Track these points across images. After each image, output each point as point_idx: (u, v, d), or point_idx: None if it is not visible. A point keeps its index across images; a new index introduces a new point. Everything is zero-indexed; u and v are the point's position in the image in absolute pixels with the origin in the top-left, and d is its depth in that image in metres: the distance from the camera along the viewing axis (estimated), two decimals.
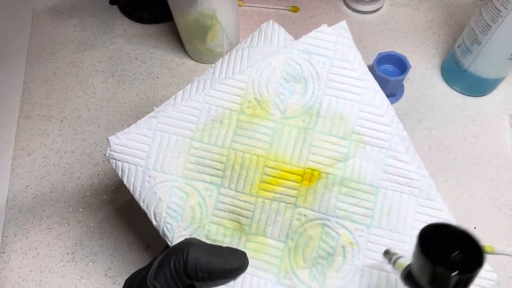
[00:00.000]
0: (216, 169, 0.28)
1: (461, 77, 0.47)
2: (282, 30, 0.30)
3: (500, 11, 0.38)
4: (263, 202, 0.28)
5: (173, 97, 0.29)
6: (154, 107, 0.30)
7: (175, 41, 0.55)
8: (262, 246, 0.27)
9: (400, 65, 0.47)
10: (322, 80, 0.28)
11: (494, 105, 0.48)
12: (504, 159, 0.44)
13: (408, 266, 0.21)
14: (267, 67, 0.28)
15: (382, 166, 0.27)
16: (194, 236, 0.28)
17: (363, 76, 0.29)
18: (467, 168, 0.43)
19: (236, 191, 0.28)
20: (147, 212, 0.28)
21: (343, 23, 0.30)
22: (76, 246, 0.40)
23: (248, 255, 0.27)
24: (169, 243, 0.28)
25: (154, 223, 0.28)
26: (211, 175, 0.28)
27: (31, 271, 0.39)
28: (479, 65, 0.44)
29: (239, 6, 0.57)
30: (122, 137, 0.29)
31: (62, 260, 0.40)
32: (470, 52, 0.43)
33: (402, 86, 0.49)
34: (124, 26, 0.57)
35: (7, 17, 0.59)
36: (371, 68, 0.46)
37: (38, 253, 0.40)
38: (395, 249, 0.23)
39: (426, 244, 0.17)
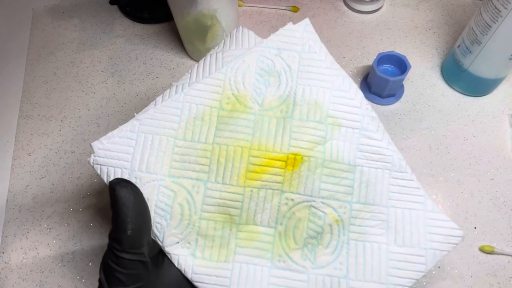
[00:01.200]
0: (202, 164, 0.28)
1: (461, 77, 0.47)
2: (252, 33, 0.32)
3: (500, 11, 0.38)
4: (251, 191, 0.28)
5: (153, 102, 0.30)
6: (135, 113, 0.30)
7: (175, 41, 0.55)
8: (253, 234, 0.28)
9: (400, 65, 0.47)
10: (294, 72, 0.30)
11: (494, 105, 0.48)
12: (504, 159, 0.44)
13: None
14: (242, 64, 0.30)
15: (357, 145, 0.29)
16: (185, 233, 0.28)
17: (330, 65, 0.31)
18: (467, 168, 0.43)
19: (224, 183, 0.28)
20: None
21: (307, 20, 0.31)
22: (76, 246, 0.40)
23: (240, 245, 0.28)
24: (159, 243, 0.28)
25: None
26: (197, 171, 0.28)
27: (31, 271, 0.39)
28: (479, 65, 0.44)
29: (239, 6, 0.57)
30: (106, 142, 0.29)
31: (62, 260, 0.40)
32: (470, 52, 0.44)
33: (402, 86, 0.49)
34: (124, 26, 0.57)
35: (7, 17, 0.59)
36: (371, 68, 0.46)
37: (38, 253, 0.40)
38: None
39: None
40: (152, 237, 0.28)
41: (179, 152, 0.29)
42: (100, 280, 0.25)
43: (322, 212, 0.29)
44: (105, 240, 0.40)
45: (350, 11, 0.57)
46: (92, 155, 0.29)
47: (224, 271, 0.27)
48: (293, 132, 0.29)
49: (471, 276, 0.38)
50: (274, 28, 0.55)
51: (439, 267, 0.38)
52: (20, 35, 0.57)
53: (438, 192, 0.42)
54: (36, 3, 0.60)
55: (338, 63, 0.52)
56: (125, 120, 0.48)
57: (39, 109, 0.50)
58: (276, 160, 0.29)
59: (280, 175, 0.29)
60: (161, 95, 0.30)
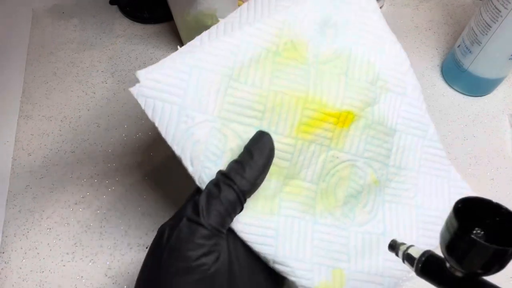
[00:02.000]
0: (256, 110, 0.27)
1: (461, 77, 0.47)
2: None
3: (500, 11, 0.38)
4: (302, 144, 0.27)
5: (198, 37, 0.27)
6: (178, 46, 0.27)
7: (175, 41, 0.55)
8: (298, 189, 0.28)
9: None
10: (350, 27, 0.29)
11: (494, 105, 0.48)
12: (504, 159, 0.44)
13: (425, 252, 0.19)
14: (300, 12, 0.28)
15: (399, 111, 0.30)
16: None
17: (383, 27, 0.31)
18: (467, 168, 0.43)
19: (276, 133, 0.27)
20: (182, 157, 0.26)
21: None
22: (76, 246, 0.40)
23: (284, 199, 0.28)
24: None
25: (190, 169, 0.26)
26: (250, 117, 0.27)
27: (31, 271, 0.39)
28: (479, 65, 0.44)
29: (238, 6, 0.57)
30: (155, 72, 0.26)
31: (62, 260, 0.40)
32: (470, 52, 0.44)
33: None
34: (124, 26, 0.57)
35: (7, 17, 0.59)
36: None
37: (38, 253, 0.40)
38: (400, 240, 0.22)
39: (463, 215, 0.16)
40: (198, 183, 0.26)
41: (233, 94, 0.26)
42: (196, 210, 0.23)
43: (364, 172, 0.29)
44: (105, 240, 0.40)
45: None
46: (137, 85, 0.25)
47: (271, 223, 0.27)
48: (348, 90, 0.28)
49: None
50: None
51: None
52: (20, 35, 0.57)
53: None
54: (36, 3, 0.60)
55: None
56: (125, 120, 0.48)
57: (39, 109, 0.50)
58: (330, 115, 0.28)
59: (331, 131, 0.28)
60: (208, 31, 0.27)
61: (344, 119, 0.28)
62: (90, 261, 0.40)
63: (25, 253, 0.40)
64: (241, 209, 0.25)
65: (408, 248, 0.21)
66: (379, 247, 0.29)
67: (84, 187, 0.44)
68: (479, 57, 0.43)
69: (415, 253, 0.20)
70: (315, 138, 0.28)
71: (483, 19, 0.40)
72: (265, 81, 0.27)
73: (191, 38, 0.49)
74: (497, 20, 0.39)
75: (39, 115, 0.49)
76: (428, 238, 0.30)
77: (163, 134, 0.26)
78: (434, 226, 0.30)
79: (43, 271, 0.39)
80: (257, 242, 0.26)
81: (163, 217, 0.41)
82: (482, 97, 0.48)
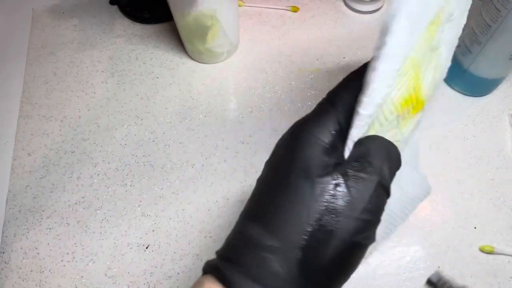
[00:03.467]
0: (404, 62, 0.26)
1: (461, 77, 0.47)
2: None
3: (500, 11, 0.38)
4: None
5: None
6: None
7: (175, 41, 0.55)
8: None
9: None
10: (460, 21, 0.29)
11: (494, 105, 0.48)
12: (504, 159, 0.44)
13: None
14: None
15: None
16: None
17: None
18: (467, 168, 0.43)
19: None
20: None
21: None
22: (76, 246, 0.40)
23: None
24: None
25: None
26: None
27: (31, 271, 0.39)
28: (479, 65, 0.44)
29: (239, 6, 0.57)
30: None
31: (62, 260, 0.40)
32: (470, 52, 0.43)
33: None
34: (124, 26, 0.57)
35: (7, 17, 0.59)
36: None
37: (38, 253, 0.40)
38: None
39: None
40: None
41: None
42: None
43: None
44: (105, 241, 0.41)
45: (350, 11, 0.57)
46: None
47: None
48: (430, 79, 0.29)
49: (471, 276, 0.38)
50: (274, 28, 0.56)
51: (439, 267, 0.38)
52: (20, 35, 0.57)
53: (438, 192, 0.42)
54: (36, 3, 0.60)
55: (338, 63, 0.52)
56: (125, 120, 0.48)
57: (39, 109, 0.50)
58: (412, 100, 0.29)
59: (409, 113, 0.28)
60: None
61: (416, 106, 0.28)
62: (90, 261, 0.40)
63: (25, 253, 0.40)
64: None
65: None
66: None
67: (84, 187, 0.44)
68: (479, 57, 0.43)
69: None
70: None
71: (483, 19, 0.40)
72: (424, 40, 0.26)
73: (191, 38, 0.49)
74: (497, 20, 0.39)
75: (39, 115, 0.49)
76: None
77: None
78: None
79: (43, 271, 0.39)
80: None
81: (163, 217, 0.42)
82: (482, 97, 0.48)
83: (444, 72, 0.30)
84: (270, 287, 0.19)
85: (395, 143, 0.26)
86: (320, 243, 0.19)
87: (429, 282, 0.22)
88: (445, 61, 0.30)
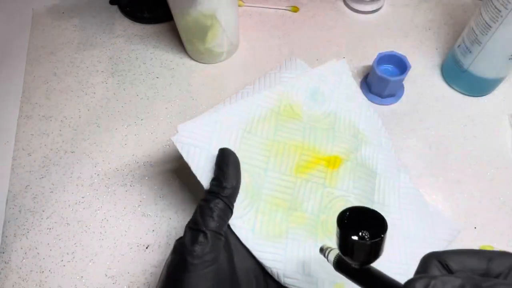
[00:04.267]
0: (263, 155, 0.35)
1: (461, 77, 0.47)
2: (302, 62, 0.40)
3: (500, 11, 0.38)
4: (301, 182, 0.35)
5: (222, 102, 0.36)
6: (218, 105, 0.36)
7: (175, 41, 0.55)
8: (301, 219, 0.34)
9: (400, 65, 0.47)
10: (334, 96, 0.38)
11: (494, 105, 0.48)
12: (504, 159, 0.44)
13: (338, 253, 0.25)
14: (296, 83, 0.37)
15: (377, 159, 0.38)
16: (247, 210, 0.33)
17: (360, 95, 0.40)
18: (467, 168, 0.43)
19: (279, 173, 0.34)
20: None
21: (343, 61, 0.40)
22: (76, 246, 0.40)
23: (291, 226, 0.34)
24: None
25: None
26: (259, 160, 0.34)
27: (31, 271, 0.39)
28: (479, 65, 0.44)
29: (239, 6, 0.57)
30: (189, 125, 0.34)
31: (62, 260, 0.40)
32: (470, 52, 0.43)
33: (402, 86, 0.49)
34: (124, 26, 0.57)
35: (7, 17, 0.59)
36: (371, 68, 0.46)
37: (38, 253, 0.40)
38: (327, 244, 0.28)
39: (346, 224, 0.22)
40: None
41: (246, 142, 0.34)
42: (195, 221, 0.28)
43: (354, 204, 0.35)
44: (105, 240, 0.40)
45: (350, 11, 0.57)
46: (176, 134, 0.33)
47: (280, 244, 0.33)
48: (335, 140, 0.37)
49: None
50: (274, 28, 0.56)
51: None
52: (20, 35, 0.57)
53: (438, 192, 0.42)
54: (36, 3, 0.60)
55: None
56: (125, 120, 0.48)
57: (39, 109, 0.50)
58: (321, 159, 0.35)
59: (324, 172, 0.35)
60: (229, 97, 0.37)
61: (334, 162, 0.36)
62: (90, 261, 0.40)
63: (25, 253, 0.40)
64: (231, 212, 0.30)
65: (329, 251, 0.26)
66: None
67: (84, 187, 0.44)
68: (479, 57, 0.43)
69: (333, 255, 0.26)
70: (311, 178, 0.35)
71: (483, 19, 0.40)
72: (270, 133, 0.35)
73: (191, 38, 0.49)
74: (497, 20, 0.39)
75: (39, 115, 0.49)
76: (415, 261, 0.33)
77: (194, 170, 0.32)
78: (421, 250, 0.32)
79: (43, 271, 0.39)
80: (268, 259, 0.32)
81: (163, 217, 0.42)
82: (482, 97, 0.48)
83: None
84: None
85: (335, 199, 0.35)
86: None
87: (320, 250, 0.28)
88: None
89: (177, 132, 0.33)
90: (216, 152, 0.32)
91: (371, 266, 0.22)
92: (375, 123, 0.39)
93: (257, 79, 0.39)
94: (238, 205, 0.32)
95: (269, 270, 0.32)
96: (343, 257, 0.23)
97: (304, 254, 0.33)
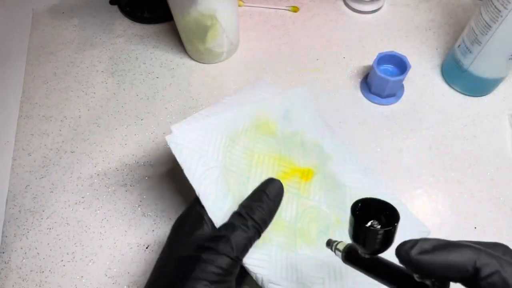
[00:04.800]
0: (246, 164, 0.37)
1: (461, 77, 0.47)
2: (273, 85, 0.43)
3: (500, 11, 0.38)
4: None
5: (215, 105, 0.39)
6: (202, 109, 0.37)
7: (175, 41, 0.55)
8: (281, 226, 0.36)
9: (400, 65, 0.47)
10: (302, 117, 0.41)
11: (494, 105, 0.48)
12: (504, 159, 0.44)
13: (347, 245, 0.26)
14: (271, 102, 0.41)
15: (343, 173, 0.40)
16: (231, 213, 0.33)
17: (323, 120, 0.43)
18: (467, 168, 0.43)
19: (260, 182, 0.35)
20: (199, 192, 0.33)
21: (305, 88, 0.43)
22: (76, 246, 0.40)
23: (273, 233, 0.35)
24: (214, 221, 0.32)
25: (205, 203, 0.34)
26: (242, 169, 0.36)
27: (31, 271, 0.39)
28: (479, 65, 0.44)
29: (239, 6, 0.57)
30: (183, 126, 0.35)
31: (62, 260, 0.40)
32: (470, 52, 0.43)
33: (402, 86, 0.49)
34: (124, 26, 0.57)
35: (7, 17, 0.59)
36: (371, 68, 0.46)
37: (38, 253, 0.40)
38: (335, 238, 0.28)
39: (358, 215, 0.23)
40: (210, 215, 0.33)
41: (231, 151, 0.37)
42: (227, 238, 0.28)
43: (327, 214, 0.37)
44: (105, 241, 0.41)
45: (350, 11, 0.57)
46: (171, 134, 0.34)
47: (264, 250, 0.34)
48: (307, 154, 0.40)
49: None
50: (274, 28, 0.56)
51: None
52: (20, 35, 0.57)
53: (438, 192, 0.42)
54: (36, 3, 0.60)
55: (338, 63, 0.52)
56: (125, 120, 0.48)
57: (39, 109, 0.50)
58: (296, 171, 0.38)
59: (298, 183, 0.38)
60: (219, 102, 0.39)
61: (307, 174, 0.38)
62: (90, 261, 0.40)
63: (25, 253, 0.40)
64: (258, 238, 0.30)
65: (337, 243, 0.27)
66: (347, 271, 0.34)
67: (84, 187, 0.44)
68: (479, 57, 0.43)
69: (341, 246, 0.26)
70: (288, 188, 0.37)
71: (483, 19, 0.40)
72: (250, 144, 0.38)
73: (191, 38, 0.49)
74: (497, 20, 0.39)
75: (39, 115, 0.49)
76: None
77: (186, 172, 0.34)
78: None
79: (43, 271, 0.39)
80: (253, 264, 0.33)
81: (163, 217, 0.42)
82: (482, 97, 0.48)
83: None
84: None
85: (309, 209, 0.37)
86: None
87: (327, 244, 0.29)
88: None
89: (171, 132, 0.34)
90: (208, 159, 0.34)
91: (379, 256, 0.23)
92: (338, 143, 0.42)
93: (235, 92, 0.41)
94: (225, 212, 0.33)
95: (253, 276, 0.33)
96: (355, 246, 0.24)
97: (287, 261, 0.34)
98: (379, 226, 0.22)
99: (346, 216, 0.38)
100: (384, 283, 0.23)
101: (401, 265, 0.21)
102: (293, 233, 0.36)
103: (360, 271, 0.24)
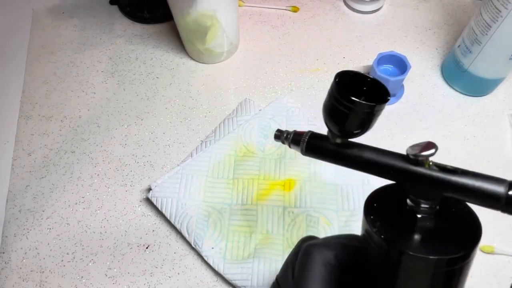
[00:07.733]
0: (226, 192, 0.41)
1: (461, 77, 0.47)
2: (255, 103, 0.47)
3: (500, 11, 0.38)
4: (262, 207, 0.40)
5: (190, 153, 0.44)
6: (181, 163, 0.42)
7: (175, 41, 0.55)
8: (266, 240, 0.38)
9: (400, 65, 0.47)
10: (280, 127, 0.44)
11: (494, 105, 0.48)
12: (504, 159, 0.44)
13: (308, 132, 0.22)
14: (249, 125, 0.45)
15: (329, 173, 0.42)
16: (217, 241, 0.38)
17: (307, 122, 0.45)
18: (467, 168, 0.43)
19: (242, 204, 0.41)
20: (181, 228, 0.39)
21: (288, 96, 0.47)
22: (76, 246, 0.40)
23: (258, 246, 0.38)
24: (199, 248, 0.38)
25: (187, 235, 0.39)
26: (223, 198, 0.41)
27: (31, 271, 0.39)
28: (479, 65, 0.44)
29: (239, 6, 0.57)
30: (159, 182, 0.41)
31: (62, 260, 0.40)
32: (470, 52, 0.43)
33: (402, 86, 0.49)
34: (124, 26, 0.57)
35: (7, 17, 0.59)
36: (371, 68, 0.46)
37: (38, 253, 0.40)
38: (281, 128, 0.25)
39: (338, 82, 0.19)
40: (193, 245, 0.38)
41: (210, 185, 0.41)
42: None
43: (316, 218, 0.39)
44: (105, 240, 0.40)
45: (350, 11, 0.57)
46: (150, 192, 0.41)
47: (248, 264, 0.37)
48: (286, 166, 0.42)
49: (471, 276, 0.38)
50: (274, 28, 0.56)
51: None
52: (20, 35, 0.57)
53: None
54: (36, 3, 0.60)
55: (338, 63, 0.52)
56: (125, 120, 0.48)
57: (39, 109, 0.50)
58: (277, 184, 0.41)
59: (281, 195, 0.41)
60: (195, 149, 0.44)
61: (289, 185, 0.41)
62: (90, 261, 0.40)
63: (25, 253, 0.40)
64: None
65: (288, 134, 0.23)
66: None
67: (84, 187, 0.44)
68: (479, 57, 0.43)
69: (298, 137, 0.22)
70: (271, 202, 0.40)
71: (483, 19, 0.40)
72: (230, 173, 0.42)
73: (191, 38, 0.49)
74: (497, 20, 0.39)
75: (39, 115, 0.49)
76: None
77: (168, 217, 0.40)
78: None
79: (43, 271, 0.39)
80: (237, 279, 0.36)
81: (163, 217, 0.42)
82: (482, 97, 0.48)
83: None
84: None
85: (297, 217, 0.39)
86: None
87: (275, 137, 0.24)
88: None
89: (151, 189, 0.41)
90: (185, 200, 0.40)
91: (351, 141, 0.20)
92: None
93: (217, 126, 0.46)
94: (209, 238, 0.38)
95: None
96: (321, 135, 0.21)
97: (270, 271, 0.36)
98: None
99: (336, 216, 0.40)
100: (358, 169, 0.20)
101: (376, 148, 0.19)
102: (281, 243, 0.38)
103: (327, 160, 0.21)
